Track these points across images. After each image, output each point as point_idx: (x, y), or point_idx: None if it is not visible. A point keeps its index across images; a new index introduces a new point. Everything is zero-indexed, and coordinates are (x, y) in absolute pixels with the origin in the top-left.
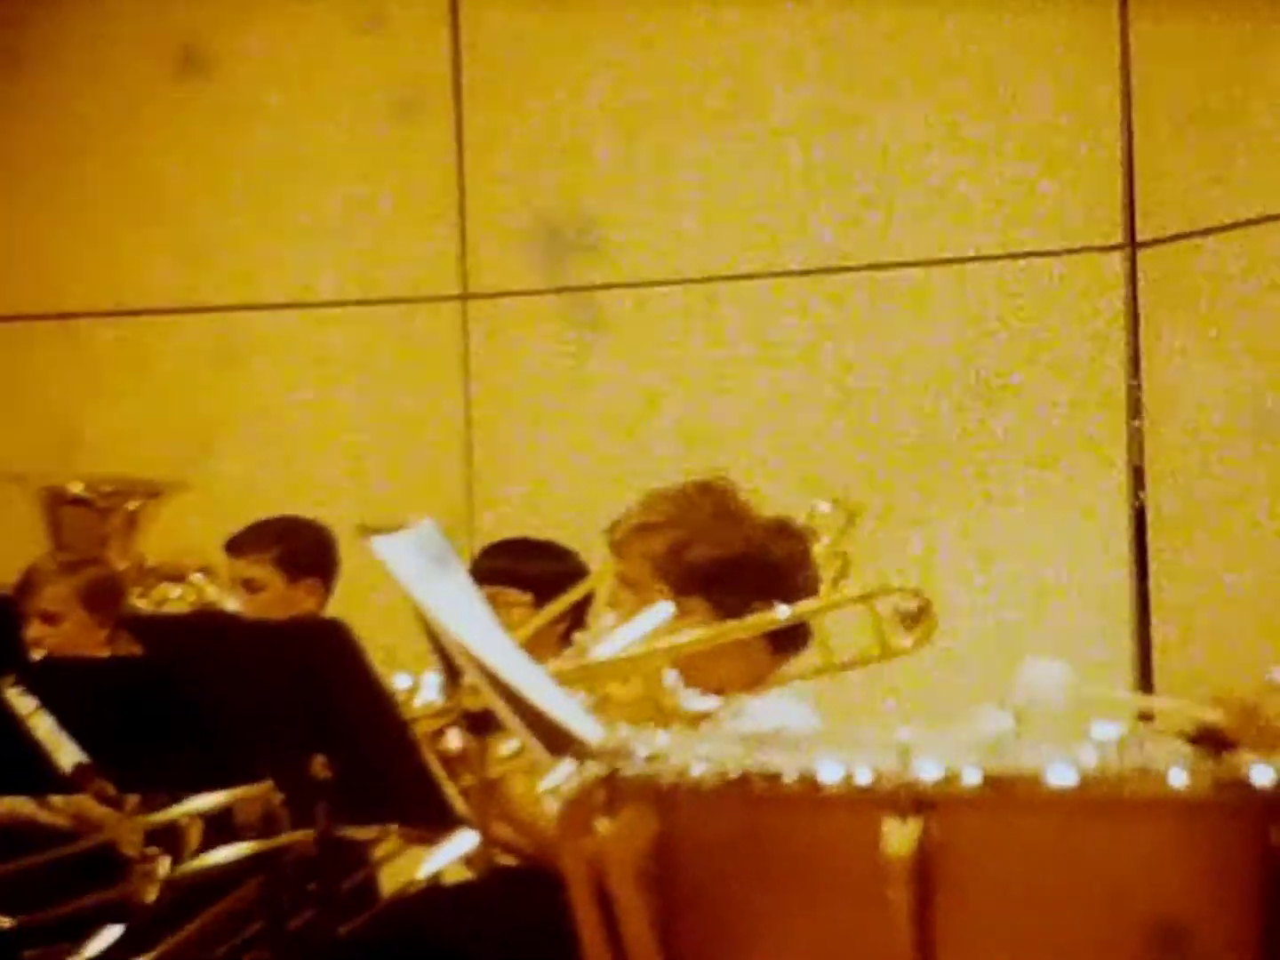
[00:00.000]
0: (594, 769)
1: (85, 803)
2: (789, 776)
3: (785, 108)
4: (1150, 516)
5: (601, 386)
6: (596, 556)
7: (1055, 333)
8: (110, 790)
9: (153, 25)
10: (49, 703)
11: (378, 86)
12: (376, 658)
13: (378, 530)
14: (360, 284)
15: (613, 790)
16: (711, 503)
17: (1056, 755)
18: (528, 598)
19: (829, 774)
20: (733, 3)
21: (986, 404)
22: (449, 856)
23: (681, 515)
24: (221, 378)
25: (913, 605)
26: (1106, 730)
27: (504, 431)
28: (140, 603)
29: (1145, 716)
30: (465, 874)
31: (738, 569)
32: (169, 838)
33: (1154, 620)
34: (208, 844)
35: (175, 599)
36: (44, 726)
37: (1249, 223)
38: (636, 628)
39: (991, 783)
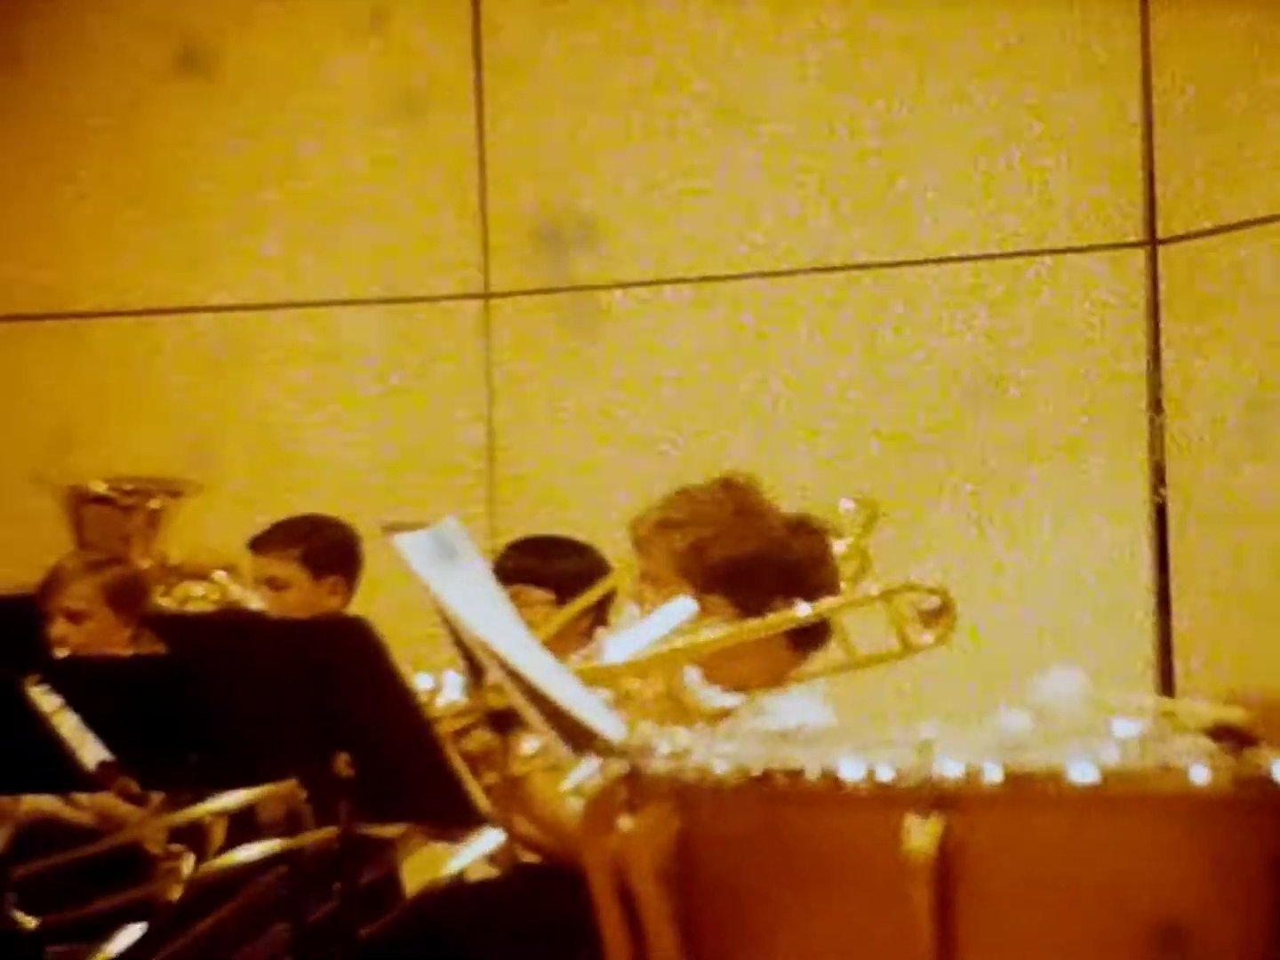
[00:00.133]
0: (616, 766)
1: (109, 800)
2: (810, 774)
3: (799, 105)
4: (1170, 513)
5: (622, 386)
6: (618, 553)
7: (1076, 330)
8: (134, 788)
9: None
10: (73, 701)
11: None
12: (399, 656)
13: (400, 528)
14: (372, 283)
15: (635, 788)
16: (733, 500)
17: (1078, 752)
18: (550, 595)
19: (850, 771)
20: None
21: (1006, 401)
22: (472, 854)
23: (703, 512)
24: (233, 379)
25: (934, 603)
26: (1127, 728)
27: (526, 430)
28: (164, 601)
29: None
30: (488, 872)
31: (759, 567)
32: (193, 835)
33: (1174, 617)
34: (231, 842)
35: (198, 597)
36: (68, 724)
37: (1270, 220)
38: (658, 625)
39: (1013, 780)
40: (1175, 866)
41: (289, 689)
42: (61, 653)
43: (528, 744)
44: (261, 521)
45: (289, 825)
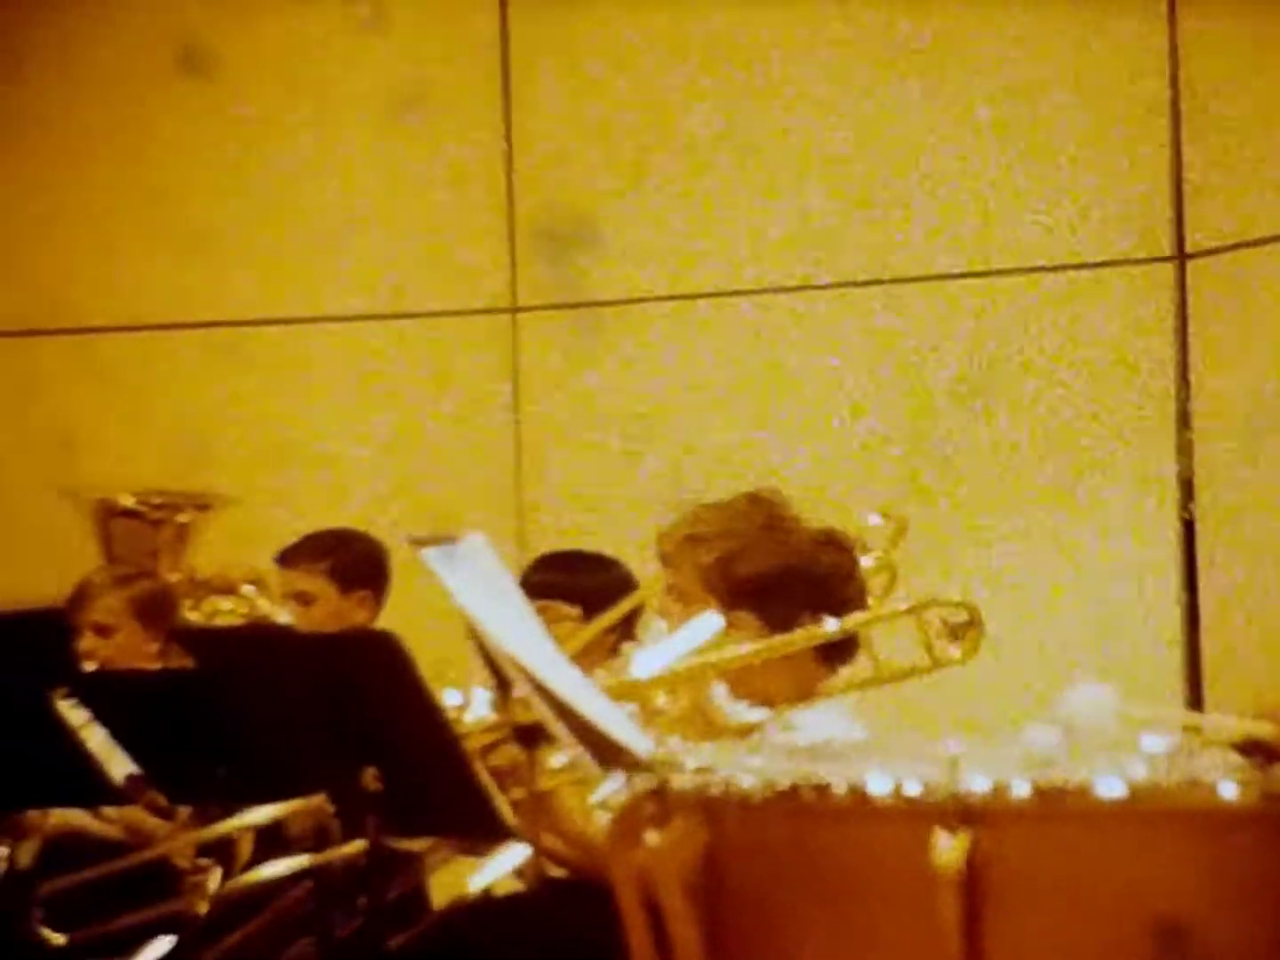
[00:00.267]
0: (643, 781)
1: (137, 814)
2: (838, 788)
3: (822, 117)
4: (1199, 529)
5: (648, 399)
6: (645, 568)
7: (1105, 344)
8: (162, 802)
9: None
10: (101, 715)
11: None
12: (426, 670)
13: (427, 542)
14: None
15: (662, 802)
16: (760, 514)
17: (1105, 767)
18: (577, 610)
19: (878, 786)
20: (762, 4)
21: (1033, 416)
22: (499, 869)
23: (730, 527)
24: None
25: (961, 617)
26: (1155, 743)
27: (553, 444)
28: (192, 615)
29: (1193, 730)
30: (515, 886)
31: (785, 581)
32: (220, 849)
33: (1203, 632)
34: (259, 856)
35: (226, 611)
36: (96, 738)
37: None
38: (685, 640)
39: (1040, 794)
40: (1203, 882)
41: (316, 703)
42: (89, 666)
43: (555, 759)
44: (288, 536)
45: (316, 840)
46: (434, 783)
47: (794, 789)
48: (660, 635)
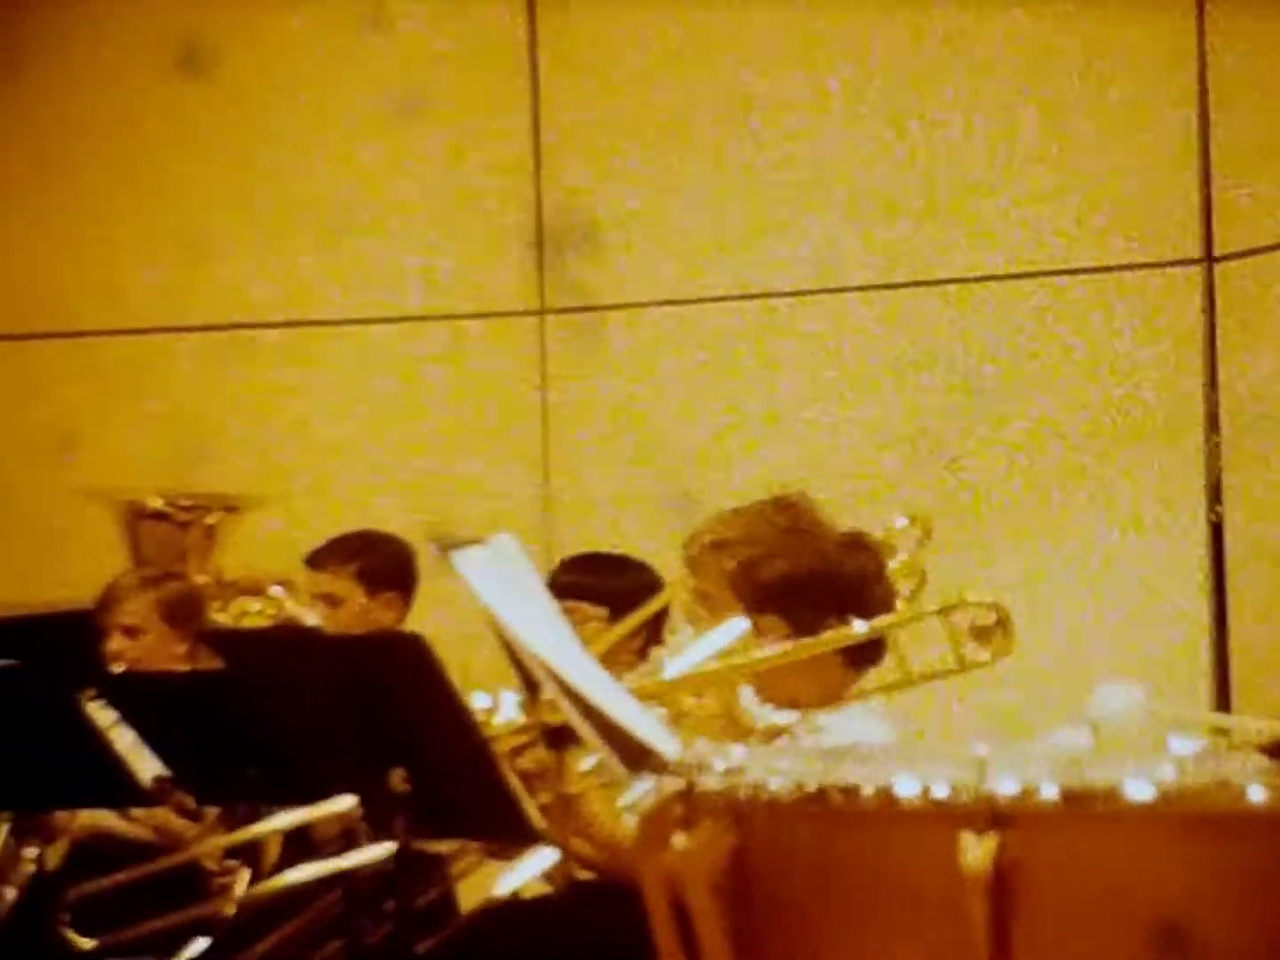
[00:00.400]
0: (671, 784)
1: (165, 815)
2: (866, 791)
3: (844, 120)
4: (1226, 531)
5: (676, 401)
6: (672, 571)
7: (1132, 347)
8: (190, 803)
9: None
10: (129, 716)
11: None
12: (454, 672)
13: (456, 545)
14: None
15: (690, 805)
16: (785, 518)
17: (1133, 770)
18: (604, 612)
19: (906, 789)
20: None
21: (1061, 418)
22: (527, 872)
23: (755, 531)
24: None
25: (990, 619)
26: (1183, 745)
27: (581, 445)
28: (219, 617)
29: (1221, 732)
30: (544, 889)
31: (811, 585)
32: (249, 851)
33: (1231, 635)
34: (286, 858)
35: (254, 613)
36: (124, 739)
37: None
38: (712, 644)
39: (1069, 797)
40: (1232, 884)
41: (344, 704)
42: (118, 668)
43: (583, 761)
44: (315, 539)
45: (344, 843)
46: (462, 785)
47: (822, 791)
48: (687, 639)
